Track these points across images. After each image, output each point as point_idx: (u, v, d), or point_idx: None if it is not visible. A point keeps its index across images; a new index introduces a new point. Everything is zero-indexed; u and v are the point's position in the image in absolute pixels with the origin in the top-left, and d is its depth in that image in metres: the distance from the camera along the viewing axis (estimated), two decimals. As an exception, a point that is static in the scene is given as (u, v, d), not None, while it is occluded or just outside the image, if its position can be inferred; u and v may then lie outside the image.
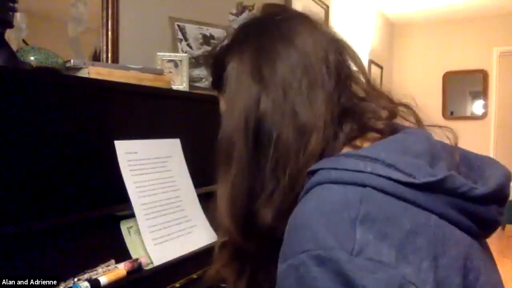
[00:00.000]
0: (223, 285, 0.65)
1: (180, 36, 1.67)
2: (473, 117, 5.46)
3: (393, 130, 0.56)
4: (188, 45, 1.68)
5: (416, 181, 0.45)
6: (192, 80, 1.56)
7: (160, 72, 1.27)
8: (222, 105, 0.62)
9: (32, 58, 0.93)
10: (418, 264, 0.41)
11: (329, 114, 0.53)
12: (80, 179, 0.92)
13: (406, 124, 0.59)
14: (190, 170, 1.16)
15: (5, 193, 0.78)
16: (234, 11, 1.91)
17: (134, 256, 0.93)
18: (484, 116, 5.39)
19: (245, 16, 1.88)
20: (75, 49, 1.40)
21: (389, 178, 0.45)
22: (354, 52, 0.61)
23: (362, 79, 0.59)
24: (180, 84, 1.48)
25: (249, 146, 0.55)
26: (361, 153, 0.49)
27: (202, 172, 1.21)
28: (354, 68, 0.60)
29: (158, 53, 1.49)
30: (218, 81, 0.62)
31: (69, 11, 1.39)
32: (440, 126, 0.58)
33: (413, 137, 0.53)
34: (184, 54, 1.55)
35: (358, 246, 0.41)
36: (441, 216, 0.46)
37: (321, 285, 0.41)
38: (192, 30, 1.72)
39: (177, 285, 0.94)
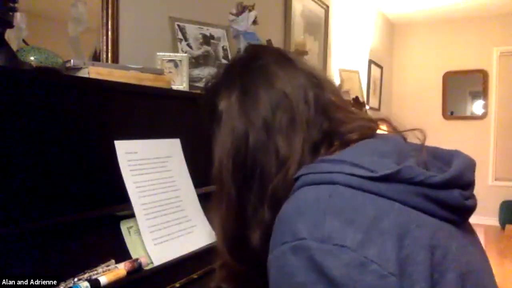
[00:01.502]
0: (224, 285, 0.70)
1: (180, 36, 1.67)
2: (473, 117, 5.46)
3: (366, 137, 0.62)
4: (188, 45, 1.68)
5: (376, 174, 0.51)
6: (192, 80, 1.56)
7: (160, 72, 1.27)
8: (215, 141, 0.68)
9: (32, 58, 0.93)
10: (382, 244, 0.47)
11: (306, 146, 0.60)
12: (80, 179, 0.92)
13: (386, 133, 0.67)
14: (190, 170, 1.16)
15: (5, 193, 0.78)
16: (234, 11, 1.92)
17: (134, 256, 0.93)
18: (484, 116, 5.39)
19: (245, 16, 1.88)
20: (75, 49, 1.40)
21: (353, 175, 0.52)
22: (330, 83, 0.68)
23: (340, 107, 0.66)
24: (180, 84, 1.48)
25: (237, 181, 0.62)
26: (332, 157, 0.56)
27: (202, 172, 1.21)
28: (333, 96, 0.65)
29: (158, 53, 1.49)
30: (210, 121, 0.68)
31: (69, 11, 1.39)
32: (412, 130, 0.65)
33: (382, 140, 0.61)
34: (184, 54, 1.55)
35: (326, 233, 0.47)
36: (404, 203, 0.51)
37: (296, 272, 0.48)
38: (192, 30, 1.72)
39: (177, 285, 0.94)
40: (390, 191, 0.51)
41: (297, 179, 0.57)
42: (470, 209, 0.56)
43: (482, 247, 0.61)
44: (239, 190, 0.63)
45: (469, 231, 0.59)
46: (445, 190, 0.52)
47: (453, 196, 0.53)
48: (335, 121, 0.63)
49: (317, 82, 0.65)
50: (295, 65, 0.66)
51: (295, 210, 0.52)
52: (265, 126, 0.61)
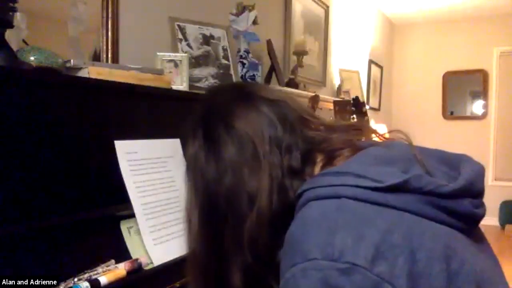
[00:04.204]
0: None
1: (180, 36, 1.67)
2: (473, 117, 5.46)
3: (360, 148, 0.61)
4: (188, 45, 1.68)
5: (382, 185, 0.49)
6: (192, 80, 1.56)
7: (160, 72, 1.27)
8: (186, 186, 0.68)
9: (32, 58, 0.93)
10: (393, 260, 0.45)
11: (276, 176, 0.58)
12: (80, 179, 0.92)
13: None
14: (190, 170, 1.16)
15: (5, 193, 0.78)
16: (234, 11, 1.92)
17: (134, 256, 0.93)
18: (484, 116, 5.39)
19: (245, 16, 1.88)
20: (75, 49, 1.40)
21: (359, 186, 0.50)
22: (296, 103, 0.66)
23: (312, 122, 0.65)
24: (180, 84, 1.48)
25: (207, 226, 0.61)
26: (335, 169, 0.54)
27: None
28: (302, 114, 0.65)
29: (158, 53, 1.49)
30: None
31: (69, 11, 1.39)
32: (392, 131, 0.64)
33: (385, 147, 0.59)
34: (184, 54, 1.55)
35: (337, 251, 0.45)
36: (415, 213, 0.49)
37: None
38: (192, 30, 1.72)
39: (177, 285, 0.94)
40: (399, 201, 0.49)
41: (300, 195, 0.55)
42: (480, 217, 0.54)
43: (492, 252, 0.59)
44: (213, 237, 0.61)
45: (479, 237, 0.58)
46: (456, 200, 0.51)
47: (464, 206, 0.51)
48: (312, 138, 0.62)
49: (279, 109, 0.63)
50: (254, 100, 0.64)
51: (302, 229, 0.49)
52: (230, 166, 0.60)
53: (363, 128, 0.67)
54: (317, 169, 0.60)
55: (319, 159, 0.61)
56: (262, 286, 0.59)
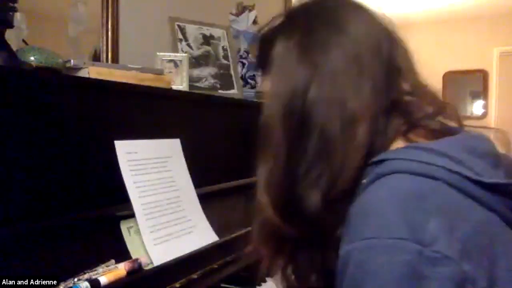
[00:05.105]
0: (259, 247, 0.62)
1: (180, 36, 1.67)
2: (473, 117, 5.46)
3: (448, 131, 0.55)
4: (188, 45, 1.68)
5: (485, 180, 0.45)
6: (192, 80, 1.56)
7: (160, 72, 1.27)
8: (265, 86, 0.61)
9: (32, 58, 0.93)
10: (478, 261, 0.42)
11: (378, 106, 0.52)
12: (80, 179, 0.92)
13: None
14: (190, 170, 1.16)
15: (5, 193, 0.78)
16: (234, 11, 1.92)
17: (134, 256, 0.93)
18: (484, 116, 5.39)
19: (245, 16, 1.88)
20: (75, 49, 1.40)
21: (460, 174, 0.45)
22: (405, 46, 0.60)
23: (411, 73, 0.58)
24: (180, 84, 1.48)
25: (291, 131, 0.54)
26: (429, 146, 0.49)
27: (202, 172, 1.21)
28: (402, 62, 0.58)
29: (158, 53, 1.49)
30: (263, 61, 0.60)
31: (69, 11, 1.39)
32: (485, 127, 0.58)
33: (475, 138, 0.53)
34: (184, 54, 1.55)
35: (429, 237, 0.41)
36: (502, 217, 0.46)
37: (384, 273, 0.41)
38: (192, 30, 1.72)
39: (177, 285, 0.94)
40: (494, 202, 0.46)
41: (377, 162, 0.50)
42: None
43: None
44: (292, 141, 0.54)
45: None
46: None
47: None
48: (403, 91, 0.55)
49: (392, 40, 0.56)
50: (371, 15, 0.57)
51: (393, 202, 0.44)
52: (332, 73, 0.52)
53: (453, 111, 0.59)
54: (392, 129, 0.54)
55: (400, 120, 0.54)
56: (337, 217, 0.51)
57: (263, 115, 0.58)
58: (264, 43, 0.61)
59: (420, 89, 0.58)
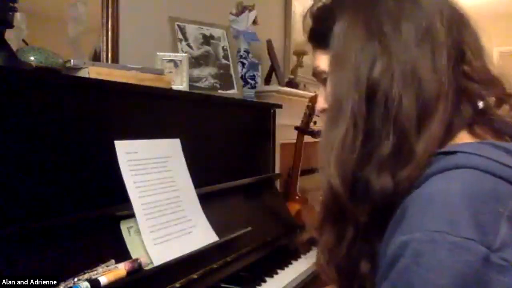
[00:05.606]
0: (318, 228, 0.59)
1: (180, 36, 1.67)
2: (473, 117, 5.46)
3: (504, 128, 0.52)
4: (188, 45, 1.68)
5: None
6: (192, 80, 1.56)
7: (160, 72, 1.27)
8: (322, 63, 0.58)
9: (32, 58, 0.93)
10: None
11: (452, 86, 0.49)
12: (80, 179, 0.92)
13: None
14: (190, 170, 1.16)
15: (5, 193, 0.78)
16: (234, 11, 1.92)
17: (134, 256, 0.93)
18: (484, 116, 5.39)
19: (245, 16, 1.88)
20: (75, 49, 1.40)
21: None
22: (474, 30, 0.57)
23: (478, 58, 0.55)
24: (180, 84, 1.48)
25: (361, 108, 0.51)
26: (502, 144, 0.46)
27: (202, 172, 1.21)
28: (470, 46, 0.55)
29: (158, 53, 1.49)
30: (321, 36, 0.57)
31: (69, 11, 1.39)
32: None
33: None
34: (184, 54, 1.55)
35: (499, 242, 0.39)
36: None
37: (443, 270, 0.39)
38: (192, 30, 1.72)
39: (177, 285, 0.94)
40: None
41: (447, 153, 0.47)
42: None
43: None
44: (362, 118, 0.50)
45: None
46: None
47: None
48: (466, 76, 0.52)
49: (461, 20, 0.54)
50: None
51: (466, 198, 0.42)
52: (404, 46, 0.49)
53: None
54: (459, 118, 0.51)
55: (468, 108, 0.51)
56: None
57: (330, 90, 0.55)
58: (323, 17, 0.58)
59: (485, 76, 0.54)
